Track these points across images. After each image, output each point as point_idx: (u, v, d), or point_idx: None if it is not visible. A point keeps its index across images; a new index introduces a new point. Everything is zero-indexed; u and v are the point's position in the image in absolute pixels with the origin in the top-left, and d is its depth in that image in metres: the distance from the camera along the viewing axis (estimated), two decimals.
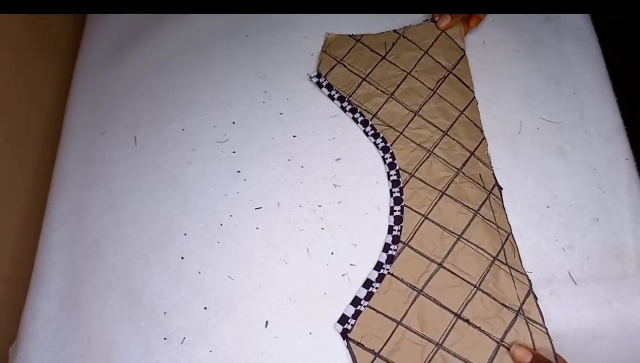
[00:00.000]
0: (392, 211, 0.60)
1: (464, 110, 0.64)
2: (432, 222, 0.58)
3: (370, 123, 0.65)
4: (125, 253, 0.61)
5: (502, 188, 0.60)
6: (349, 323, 0.54)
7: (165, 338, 0.56)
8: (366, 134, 0.65)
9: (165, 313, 0.57)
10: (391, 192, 0.61)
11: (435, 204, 0.59)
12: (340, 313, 0.55)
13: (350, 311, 0.55)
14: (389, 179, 0.62)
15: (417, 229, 0.58)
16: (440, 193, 0.59)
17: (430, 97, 0.65)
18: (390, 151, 0.63)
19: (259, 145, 0.66)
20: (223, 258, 0.59)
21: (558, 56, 0.69)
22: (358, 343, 0.53)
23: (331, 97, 0.68)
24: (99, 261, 0.61)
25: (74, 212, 0.64)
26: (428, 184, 0.60)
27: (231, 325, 0.56)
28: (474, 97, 0.66)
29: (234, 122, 0.68)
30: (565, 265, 0.57)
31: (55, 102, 0.75)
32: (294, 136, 0.66)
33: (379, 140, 0.64)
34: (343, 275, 0.57)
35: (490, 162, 0.62)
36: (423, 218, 0.58)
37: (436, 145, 0.62)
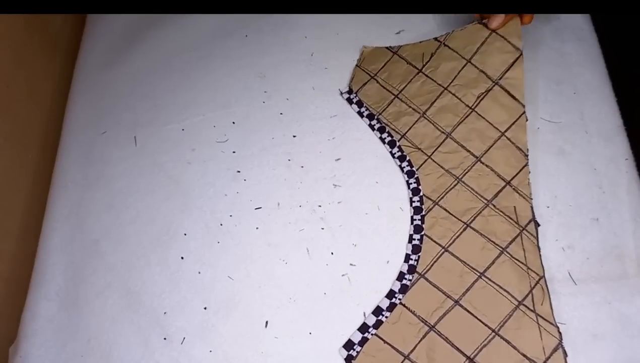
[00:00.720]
0: (410, 239, 0.57)
1: (506, 130, 0.58)
2: (452, 255, 0.54)
3: (397, 144, 0.61)
4: (125, 253, 0.61)
5: (539, 225, 0.56)
6: (354, 350, 0.52)
7: (165, 338, 0.56)
8: (392, 155, 0.62)
9: (165, 313, 0.57)
10: (412, 219, 0.58)
11: (458, 237, 0.55)
12: (340, 313, 0.55)
13: (357, 337, 0.53)
14: (411, 205, 0.59)
15: (435, 261, 0.54)
16: (465, 225, 0.55)
17: (466, 116, 0.59)
18: (416, 176, 0.59)
19: (259, 145, 0.66)
20: (223, 258, 0.59)
21: (558, 56, 0.69)
22: None
23: (360, 114, 0.65)
24: (99, 261, 0.61)
25: (74, 212, 0.64)
26: (452, 214, 0.56)
27: (231, 325, 0.56)
28: (524, 113, 0.58)
29: (234, 122, 0.68)
30: (565, 265, 0.56)
31: (55, 102, 0.75)
32: (294, 136, 0.66)
33: (404, 164, 0.60)
34: (343, 275, 0.57)
35: (530, 193, 0.56)
36: (443, 250, 0.55)
37: (466, 173, 0.57)
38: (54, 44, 0.77)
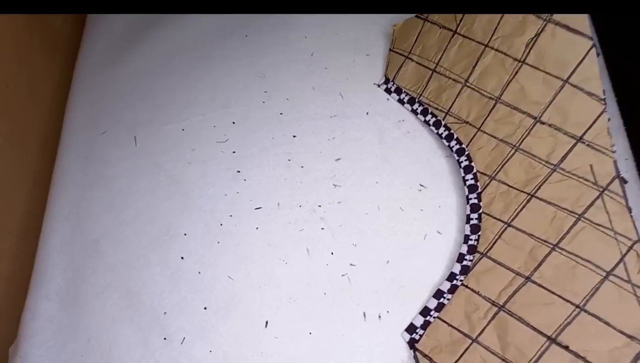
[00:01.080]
0: (468, 219, 0.53)
1: (570, 75, 0.48)
2: (517, 229, 0.49)
3: (443, 123, 0.57)
4: (125, 253, 0.61)
5: (626, 182, 0.47)
6: (417, 333, 0.51)
7: (165, 338, 0.56)
8: (440, 136, 0.58)
9: (165, 313, 0.57)
10: (467, 199, 0.55)
11: (523, 208, 0.49)
12: (340, 313, 0.55)
13: (419, 321, 0.51)
14: (465, 184, 0.54)
15: (497, 238, 0.50)
16: (529, 196, 0.49)
17: (516, 72, 0.51)
18: (466, 153, 0.55)
19: (259, 145, 0.66)
20: (223, 258, 0.59)
21: None
22: (426, 356, 0.49)
23: (401, 101, 0.62)
24: (99, 261, 0.61)
25: (74, 212, 0.64)
26: (513, 187, 0.51)
27: (231, 325, 0.56)
28: (593, 46, 0.47)
29: (234, 122, 0.68)
30: None
31: (55, 101, 0.75)
32: (294, 136, 0.66)
33: (453, 143, 0.56)
34: (343, 275, 0.57)
35: (611, 146, 0.47)
36: (505, 225, 0.50)
37: (524, 139, 0.50)
38: (54, 44, 0.77)
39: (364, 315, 0.55)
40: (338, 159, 0.64)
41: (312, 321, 0.55)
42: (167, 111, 0.70)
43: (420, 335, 0.50)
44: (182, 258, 0.60)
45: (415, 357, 0.50)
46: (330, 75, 0.70)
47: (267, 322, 0.56)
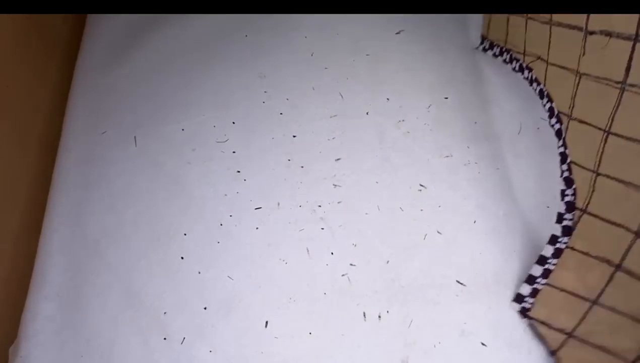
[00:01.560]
0: (561, 172, 0.48)
1: None
2: (608, 177, 0.41)
3: (524, 66, 0.57)
4: (125, 253, 0.61)
5: None
6: (526, 302, 0.49)
7: (165, 338, 0.56)
8: (526, 80, 0.59)
9: (165, 313, 0.57)
10: (558, 147, 0.50)
11: (603, 150, 0.40)
12: (340, 313, 0.55)
13: (527, 290, 0.48)
14: (553, 128, 0.49)
15: (592, 190, 0.42)
16: (604, 133, 0.39)
17: None
18: (545, 93, 0.50)
19: (259, 145, 0.66)
20: (223, 258, 0.59)
21: None
22: (543, 323, 0.46)
23: (495, 55, 0.65)
24: (99, 261, 0.61)
25: (74, 213, 0.64)
26: (589, 124, 0.41)
27: (231, 325, 0.56)
28: None
29: (234, 122, 0.68)
30: None
31: (55, 102, 0.75)
32: (294, 136, 0.66)
33: (534, 85, 0.55)
34: (343, 275, 0.57)
35: None
36: (594, 174, 0.42)
37: (580, 59, 0.41)
38: (54, 44, 0.77)
39: (364, 315, 0.55)
40: (338, 159, 0.64)
41: (312, 321, 0.55)
42: (167, 111, 0.70)
43: (530, 303, 0.48)
44: (182, 258, 0.60)
45: (531, 325, 0.48)
46: (330, 75, 0.70)
47: (267, 322, 0.56)
